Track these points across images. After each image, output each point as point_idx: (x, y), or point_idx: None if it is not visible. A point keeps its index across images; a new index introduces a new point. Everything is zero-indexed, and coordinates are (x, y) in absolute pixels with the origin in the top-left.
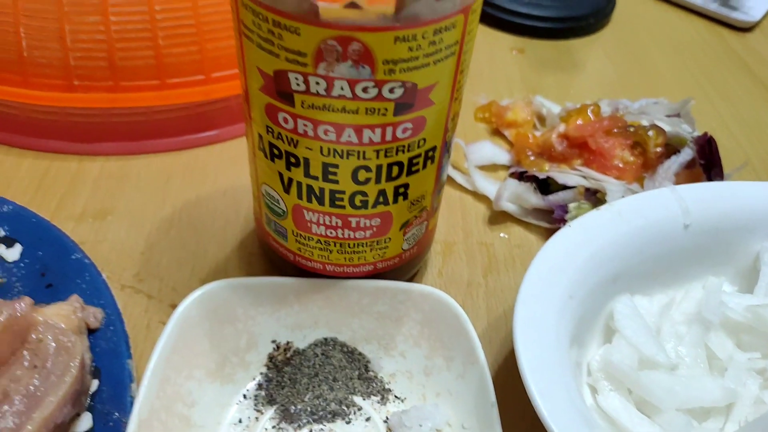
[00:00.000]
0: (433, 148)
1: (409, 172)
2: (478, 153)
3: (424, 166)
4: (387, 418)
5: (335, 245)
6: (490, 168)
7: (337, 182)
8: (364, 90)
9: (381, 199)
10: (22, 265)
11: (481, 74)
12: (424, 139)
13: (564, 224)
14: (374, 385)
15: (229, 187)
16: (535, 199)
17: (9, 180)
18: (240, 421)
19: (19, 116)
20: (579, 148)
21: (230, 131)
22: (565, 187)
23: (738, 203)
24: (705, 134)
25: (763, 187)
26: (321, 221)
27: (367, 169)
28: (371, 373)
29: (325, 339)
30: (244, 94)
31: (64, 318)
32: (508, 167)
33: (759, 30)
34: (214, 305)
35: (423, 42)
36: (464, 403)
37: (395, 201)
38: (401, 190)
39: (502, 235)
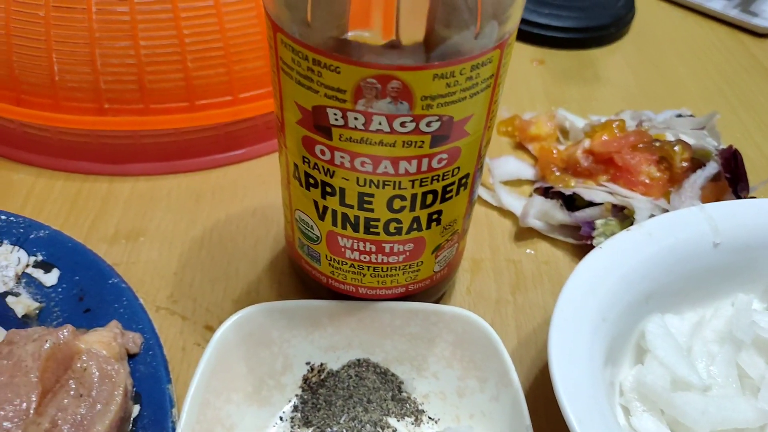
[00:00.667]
0: (467, 175)
1: (443, 200)
2: (503, 168)
3: (458, 192)
4: None
5: (368, 269)
6: (515, 183)
7: (372, 210)
8: (402, 125)
9: (415, 226)
10: (60, 289)
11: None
12: (459, 168)
13: (591, 240)
14: (408, 406)
15: (259, 205)
16: (561, 215)
17: (42, 203)
18: None
19: (50, 138)
20: (605, 164)
21: (257, 150)
22: (591, 204)
23: (766, 220)
24: (730, 147)
25: None
26: (355, 247)
27: (402, 198)
28: (404, 394)
29: (358, 360)
30: (279, 124)
31: (105, 345)
32: (532, 182)
33: None
34: (250, 329)
35: (460, 78)
36: (499, 425)
37: (428, 227)
38: (435, 216)
39: (528, 251)
